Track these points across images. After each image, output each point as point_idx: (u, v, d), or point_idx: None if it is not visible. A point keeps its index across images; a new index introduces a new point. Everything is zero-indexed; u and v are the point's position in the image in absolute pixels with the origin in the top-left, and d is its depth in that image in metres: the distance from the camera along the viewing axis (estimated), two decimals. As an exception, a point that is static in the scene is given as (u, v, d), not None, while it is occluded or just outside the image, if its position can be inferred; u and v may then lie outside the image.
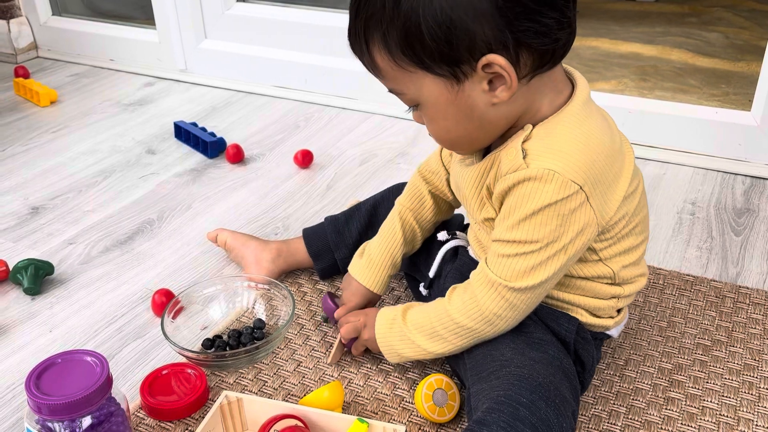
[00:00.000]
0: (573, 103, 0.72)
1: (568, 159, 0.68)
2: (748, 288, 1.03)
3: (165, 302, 1.01)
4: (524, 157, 0.69)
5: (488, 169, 0.76)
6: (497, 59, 0.66)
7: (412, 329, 0.80)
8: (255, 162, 1.48)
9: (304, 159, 1.43)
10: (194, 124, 1.57)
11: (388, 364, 0.91)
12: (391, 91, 0.74)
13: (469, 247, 0.89)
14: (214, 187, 1.38)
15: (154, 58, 1.97)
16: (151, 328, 1.00)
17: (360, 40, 0.70)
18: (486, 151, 0.79)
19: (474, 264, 0.86)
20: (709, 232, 1.19)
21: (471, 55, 0.66)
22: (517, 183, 0.69)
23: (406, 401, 0.86)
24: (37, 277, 1.08)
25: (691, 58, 1.92)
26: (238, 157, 1.47)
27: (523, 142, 0.70)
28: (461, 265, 0.90)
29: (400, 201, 0.96)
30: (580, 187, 0.67)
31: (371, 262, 0.93)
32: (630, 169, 0.75)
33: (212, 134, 1.52)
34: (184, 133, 1.56)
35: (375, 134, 1.58)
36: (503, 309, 0.74)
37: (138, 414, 0.85)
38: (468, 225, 0.95)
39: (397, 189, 1.07)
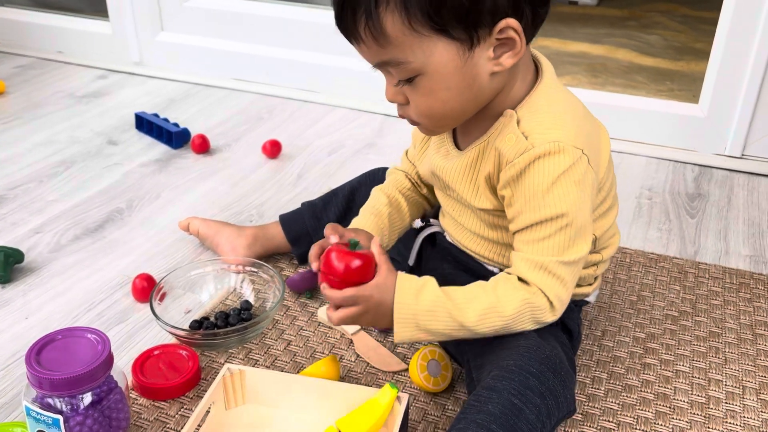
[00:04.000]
0: (545, 78, 0.75)
1: (564, 128, 0.71)
2: (706, 264, 1.10)
3: (147, 287, 1.00)
4: (527, 139, 0.71)
5: (478, 159, 0.76)
6: (514, 23, 0.66)
7: (459, 302, 0.72)
8: (221, 152, 1.47)
9: (273, 149, 1.44)
10: (156, 115, 1.55)
11: (378, 340, 0.93)
12: (382, 63, 0.69)
13: (446, 234, 0.90)
14: (181, 176, 1.37)
15: (107, 50, 1.92)
16: (132, 313, 0.99)
17: (366, 2, 0.65)
18: (453, 136, 0.80)
19: (453, 247, 0.88)
20: (666, 215, 1.26)
21: (492, 17, 0.66)
22: (529, 164, 0.70)
23: (399, 374, 0.88)
24: (7, 264, 1.04)
25: (635, 58, 2.01)
26: (204, 147, 1.46)
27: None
28: (441, 249, 0.92)
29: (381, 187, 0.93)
30: (582, 151, 0.70)
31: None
32: (605, 130, 0.79)
33: (176, 125, 1.51)
34: (147, 124, 1.54)
35: (341, 126, 1.59)
36: (558, 288, 0.71)
37: (130, 394, 0.84)
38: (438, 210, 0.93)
39: (374, 174, 1.08)
